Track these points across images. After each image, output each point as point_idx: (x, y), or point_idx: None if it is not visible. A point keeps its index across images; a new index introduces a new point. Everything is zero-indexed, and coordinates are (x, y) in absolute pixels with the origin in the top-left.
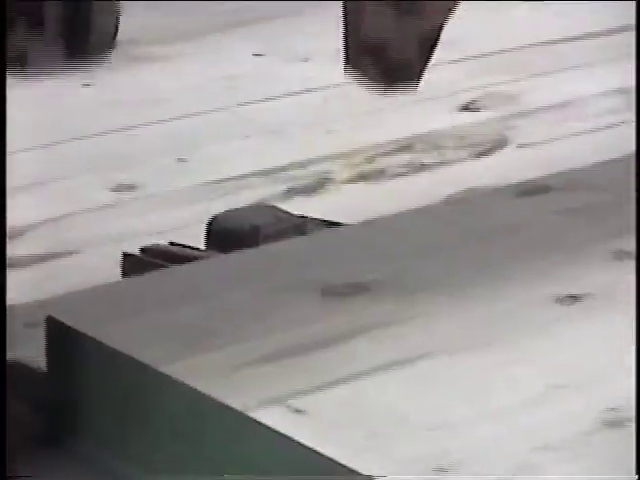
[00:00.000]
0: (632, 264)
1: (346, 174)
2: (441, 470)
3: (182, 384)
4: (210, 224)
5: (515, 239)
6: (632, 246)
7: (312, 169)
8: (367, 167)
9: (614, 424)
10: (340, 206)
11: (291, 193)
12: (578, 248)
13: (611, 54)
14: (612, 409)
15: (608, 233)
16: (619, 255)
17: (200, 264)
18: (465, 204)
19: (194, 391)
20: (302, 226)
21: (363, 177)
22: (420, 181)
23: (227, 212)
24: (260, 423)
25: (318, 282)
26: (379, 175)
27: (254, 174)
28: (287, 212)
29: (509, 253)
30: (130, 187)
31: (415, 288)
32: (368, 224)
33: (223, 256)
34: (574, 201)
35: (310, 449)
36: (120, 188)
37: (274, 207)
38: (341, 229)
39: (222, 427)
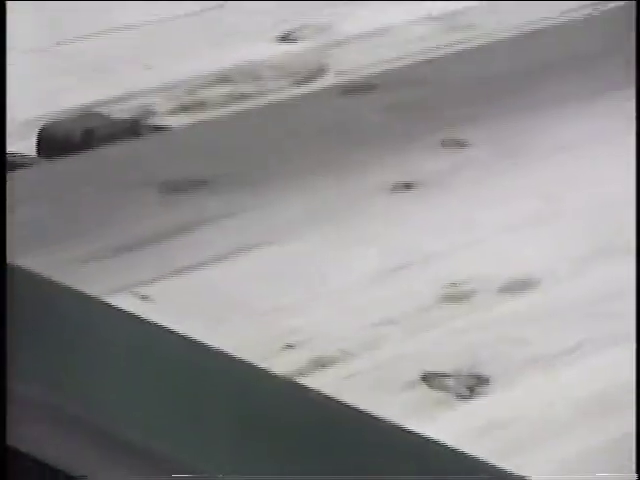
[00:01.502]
0: (460, 152)
1: (167, 106)
2: (289, 347)
3: (35, 274)
4: (40, 133)
5: (345, 136)
6: (461, 135)
7: (133, 103)
8: (188, 99)
9: (453, 298)
10: None
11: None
12: (408, 140)
13: None
14: (450, 284)
15: (435, 125)
16: (448, 144)
17: (35, 169)
18: (292, 105)
19: (45, 280)
20: (135, 129)
21: (185, 109)
22: (240, 110)
23: (56, 121)
24: (111, 306)
25: (156, 180)
26: (200, 106)
27: (73, 110)
28: (118, 117)
29: (341, 148)
30: None
31: (253, 181)
32: (199, 125)
33: (60, 160)
34: (399, 97)
35: (163, 328)
36: None
37: (102, 114)
38: (174, 130)
39: (73, 315)
